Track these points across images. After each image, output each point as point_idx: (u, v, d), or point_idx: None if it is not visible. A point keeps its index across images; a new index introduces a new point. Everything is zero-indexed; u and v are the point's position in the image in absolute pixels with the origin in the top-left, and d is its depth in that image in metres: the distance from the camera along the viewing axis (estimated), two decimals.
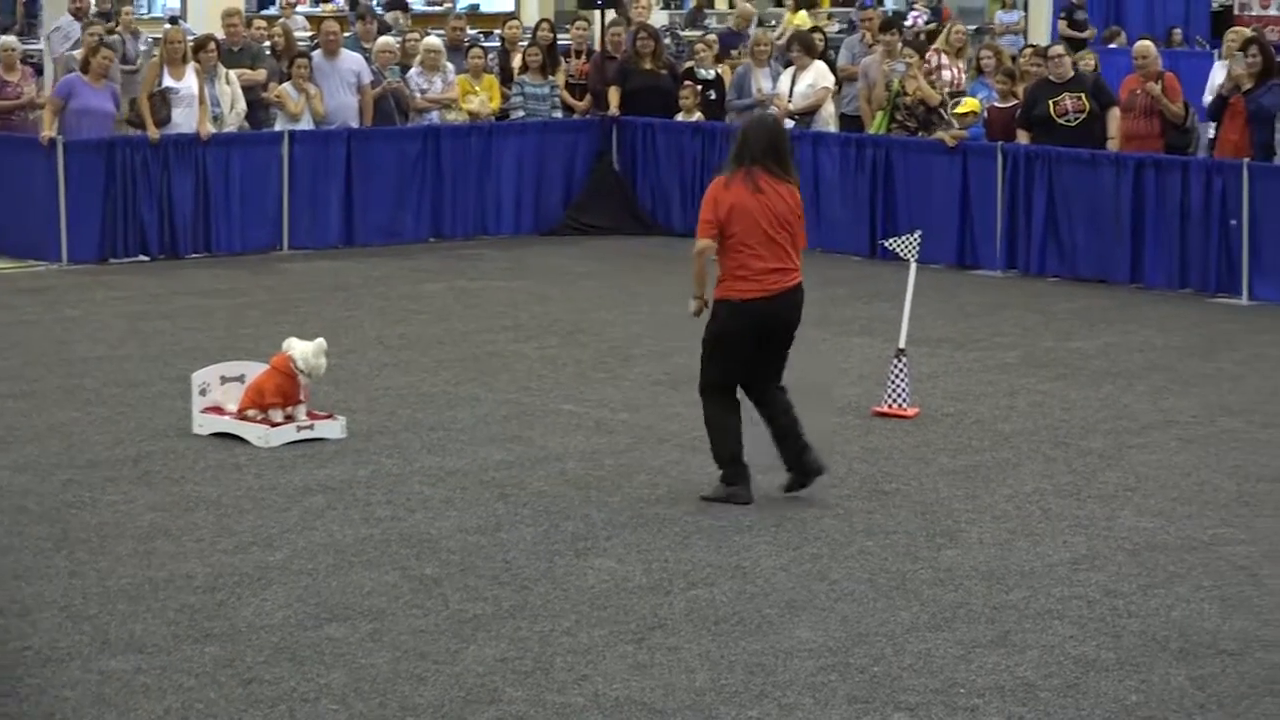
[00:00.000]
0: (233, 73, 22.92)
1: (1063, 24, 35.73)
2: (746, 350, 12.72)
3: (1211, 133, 21.66)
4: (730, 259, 12.56)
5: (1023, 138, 21.48)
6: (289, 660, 9.71)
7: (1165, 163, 20.65)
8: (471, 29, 31.26)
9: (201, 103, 22.08)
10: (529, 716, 9.06)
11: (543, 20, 28.67)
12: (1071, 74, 21.56)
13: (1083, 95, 21.33)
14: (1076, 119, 21.26)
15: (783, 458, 12.69)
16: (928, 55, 23.87)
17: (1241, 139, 20.68)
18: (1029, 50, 23.80)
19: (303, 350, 14.01)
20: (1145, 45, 22.29)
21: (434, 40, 25.11)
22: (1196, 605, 10.70)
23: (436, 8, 38.61)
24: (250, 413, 14.06)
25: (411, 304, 19.91)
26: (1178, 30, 37.67)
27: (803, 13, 35.53)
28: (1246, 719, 9.12)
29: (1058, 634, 10.25)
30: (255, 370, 14.45)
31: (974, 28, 34.86)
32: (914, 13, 38.32)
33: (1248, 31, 24.82)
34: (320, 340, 14.10)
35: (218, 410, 14.29)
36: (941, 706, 9.21)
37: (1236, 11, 42.19)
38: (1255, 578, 11.18)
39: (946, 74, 23.91)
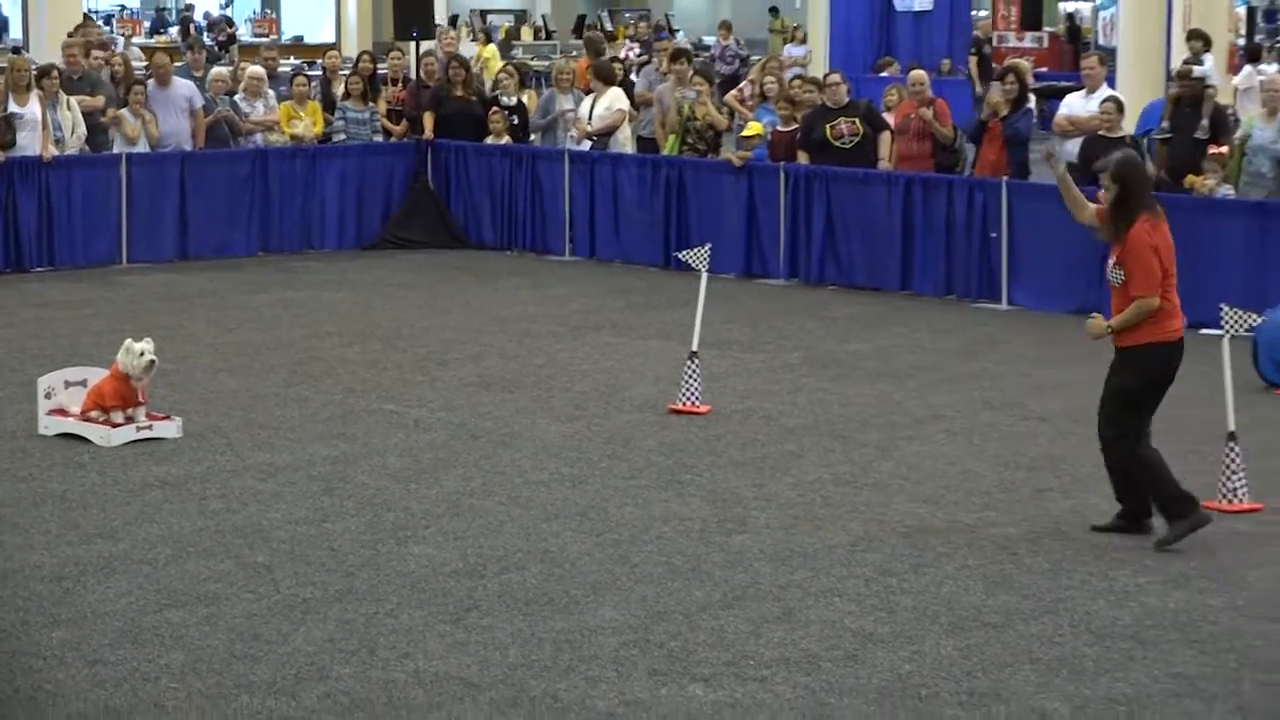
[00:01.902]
0: (73, 99, 22.67)
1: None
2: (1166, 389, 11.72)
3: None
4: (1164, 301, 11.44)
5: (803, 158, 21.60)
6: (131, 643, 9.66)
7: (932, 180, 20.85)
8: (296, 59, 31.16)
9: (44, 127, 21.89)
10: (355, 692, 9.04)
11: (364, 52, 28.76)
12: (846, 100, 21.75)
13: (857, 120, 21.50)
14: (851, 142, 21.42)
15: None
16: (741, 85, 23.99)
17: (1000, 159, 20.92)
18: (797, 81, 23.85)
19: (122, 355, 13.94)
20: (919, 74, 22.50)
21: (257, 69, 25.02)
22: (963, 582, 10.83)
23: (263, 39, 38.30)
24: (93, 414, 13.95)
25: (242, 313, 19.77)
26: (947, 61, 38.08)
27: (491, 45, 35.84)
28: (1009, 685, 9.23)
29: (838, 610, 10.35)
30: (97, 375, 14.33)
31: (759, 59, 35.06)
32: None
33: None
34: (128, 342, 14.00)
35: (62, 412, 14.16)
36: (733, 678, 9.28)
37: (995, 44, 42.71)
38: (1015, 556, 11.32)
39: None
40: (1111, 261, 11.52)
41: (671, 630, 9.99)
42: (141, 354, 13.80)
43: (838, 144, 21.48)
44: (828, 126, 21.52)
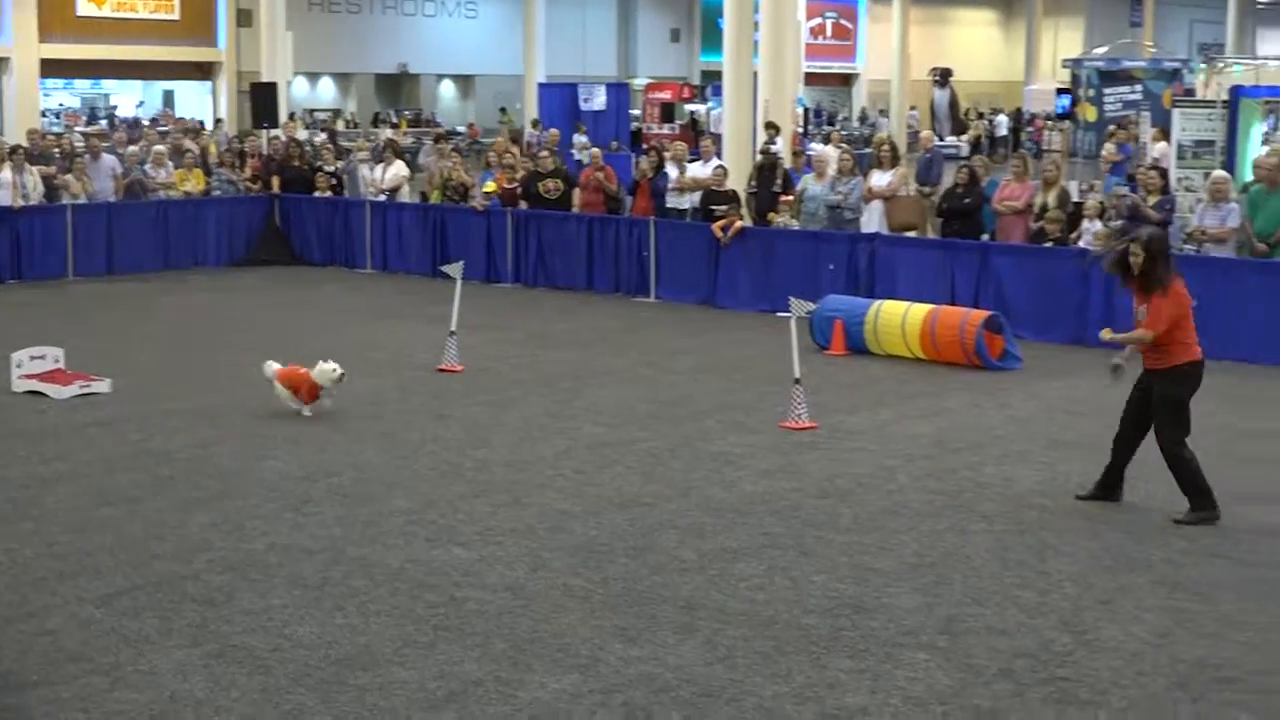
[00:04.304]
0: (35, 168, 22.15)
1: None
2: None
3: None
4: (1190, 332, 10.04)
5: (523, 205, 21.56)
6: (76, 530, 9.39)
7: (606, 219, 20.91)
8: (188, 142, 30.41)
9: (14, 187, 21.31)
10: (230, 559, 8.90)
11: (235, 135, 28.36)
12: (552, 167, 21.75)
13: (559, 180, 21.51)
14: (556, 194, 21.41)
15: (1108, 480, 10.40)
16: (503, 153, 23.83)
17: (648, 206, 21.07)
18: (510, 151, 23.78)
19: (317, 371, 12.84)
20: (595, 151, 22.61)
21: (160, 147, 24.55)
22: (627, 477, 10.87)
23: (165, 127, 37.25)
24: (288, 391, 12.94)
25: (153, 309, 19.32)
26: (615, 142, 38.20)
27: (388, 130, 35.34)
28: (659, 544, 9.27)
29: (549, 497, 10.33)
30: (55, 351, 14.15)
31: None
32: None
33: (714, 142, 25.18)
34: (321, 364, 12.88)
35: (29, 376, 13.78)
36: (481, 542, 9.22)
37: (645, 130, 42.94)
38: (660, 460, 11.40)
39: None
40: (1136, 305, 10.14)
41: (440, 512, 9.92)
42: (334, 370, 12.74)
43: (547, 195, 21.47)
44: (540, 184, 21.51)
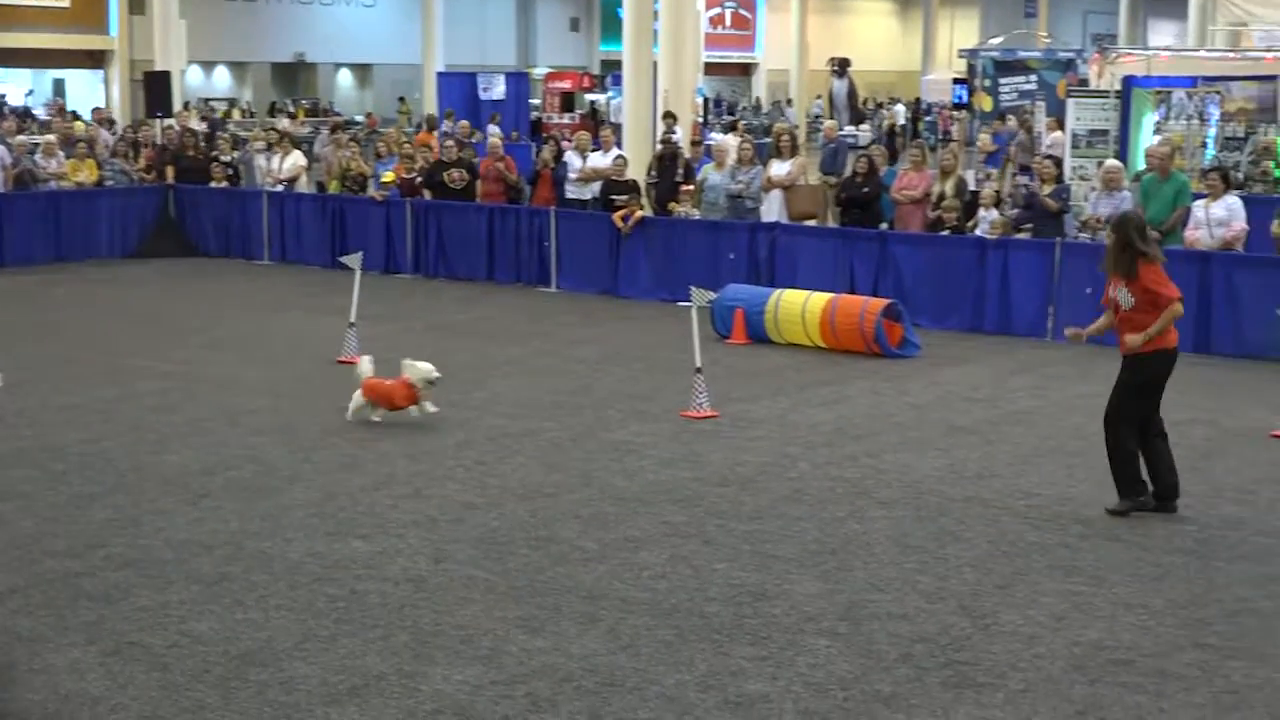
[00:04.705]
0: None
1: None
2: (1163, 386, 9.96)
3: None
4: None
5: (427, 195, 21.45)
6: None
7: (508, 209, 20.82)
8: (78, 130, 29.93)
9: None
10: (126, 555, 8.76)
11: (128, 125, 27.98)
12: (457, 155, 21.66)
13: (464, 170, 21.41)
14: (462, 184, 21.31)
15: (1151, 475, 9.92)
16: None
17: (549, 196, 21.05)
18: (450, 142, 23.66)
19: (409, 371, 12.14)
20: (495, 143, 22.55)
21: (51, 137, 24.20)
22: (530, 467, 10.83)
23: (55, 117, 36.56)
24: (370, 403, 12.15)
25: (44, 301, 18.97)
26: (515, 132, 38.03)
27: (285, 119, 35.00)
28: (559, 534, 9.26)
29: (450, 489, 10.27)
30: None
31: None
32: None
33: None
34: (411, 363, 12.18)
35: None
36: (382, 535, 9.17)
37: (545, 120, 42.85)
38: (562, 450, 11.38)
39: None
40: (1117, 290, 9.89)
41: (341, 505, 9.85)
42: (429, 371, 12.00)
43: (452, 185, 21.35)
44: (445, 174, 21.38)
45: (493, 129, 34.95)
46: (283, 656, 7.24)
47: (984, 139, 25.27)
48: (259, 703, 6.73)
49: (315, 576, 8.41)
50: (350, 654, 7.28)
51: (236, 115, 47.70)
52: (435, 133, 24.53)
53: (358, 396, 12.20)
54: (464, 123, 28.55)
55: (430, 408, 12.14)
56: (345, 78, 56.85)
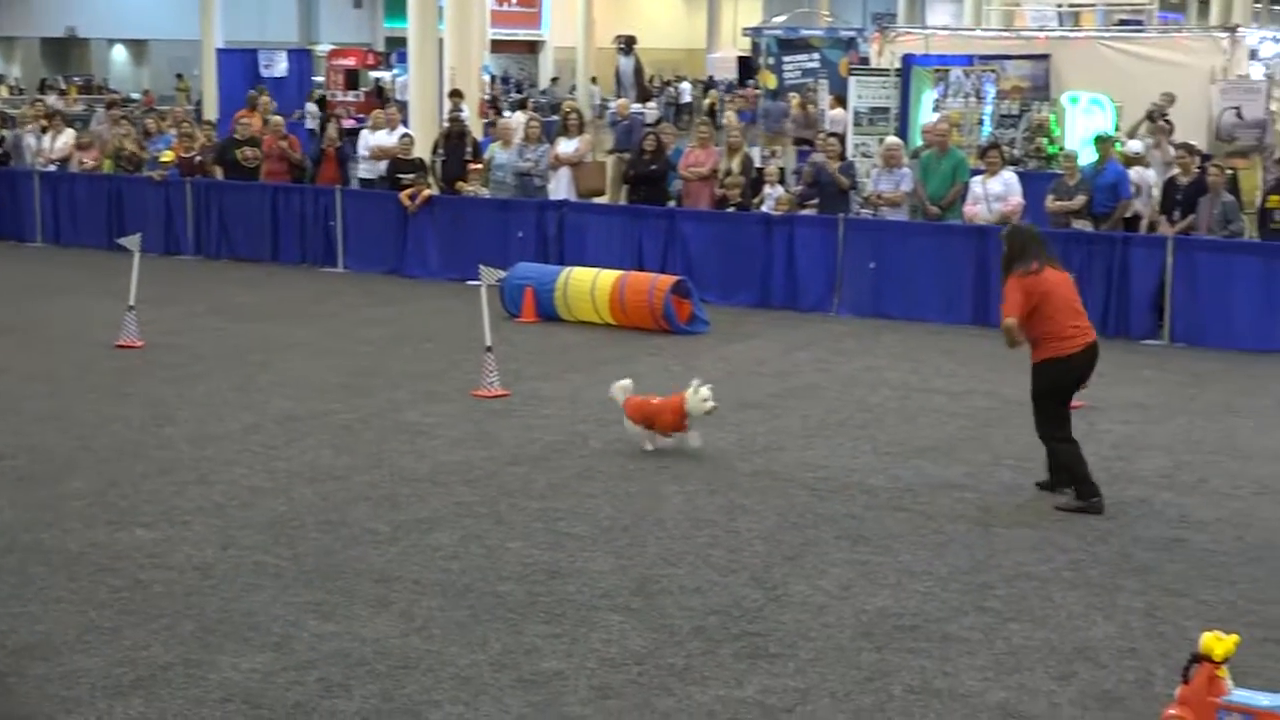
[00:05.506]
0: None
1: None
2: (1072, 390, 9.85)
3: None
4: (1049, 331, 9.62)
5: (217, 173, 21.01)
6: None
7: (291, 188, 20.46)
8: None
9: None
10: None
11: None
12: (249, 134, 21.25)
13: (258, 149, 20.98)
14: (255, 162, 20.86)
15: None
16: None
17: (335, 175, 20.80)
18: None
19: (691, 395, 10.65)
20: (277, 121, 22.14)
21: None
22: (318, 452, 10.73)
23: None
24: (640, 426, 10.89)
25: None
26: (299, 111, 37.25)
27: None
28: (350, 516, 9.18)
29: (237, 474, 10.11)
30: None
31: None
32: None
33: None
34: (700, 386, 10.67)
35: None
36: (166, 523, 8.99)
37: (330, 97, 42.23)
38: (352, 432, 11.27)
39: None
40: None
41: (122, 493, 9.62)
42: (705, 400, 10.59)
43: (245, 164, 20.91)
44: (237, 152, 20.93)
45: (311, 107, 34.28)
46: (63, 649, 7.05)
47: (730, 116, 25.66)
48: (39, 698, 6.54)
49: (97, 567, 8.20)
50: (134, 645, 7.12)
51: (5, 93, 46.11)
52: (257, 111, 23.87)
53: (630, 425, 10.94)
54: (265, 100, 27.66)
55: (694, 441, 10.78)
56: (120, 54, 55.32)
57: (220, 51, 39.41)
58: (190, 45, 48.85)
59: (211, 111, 34.92)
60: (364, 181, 20.84)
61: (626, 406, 10.96)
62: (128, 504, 9.39)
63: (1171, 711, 6.19)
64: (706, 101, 42.95)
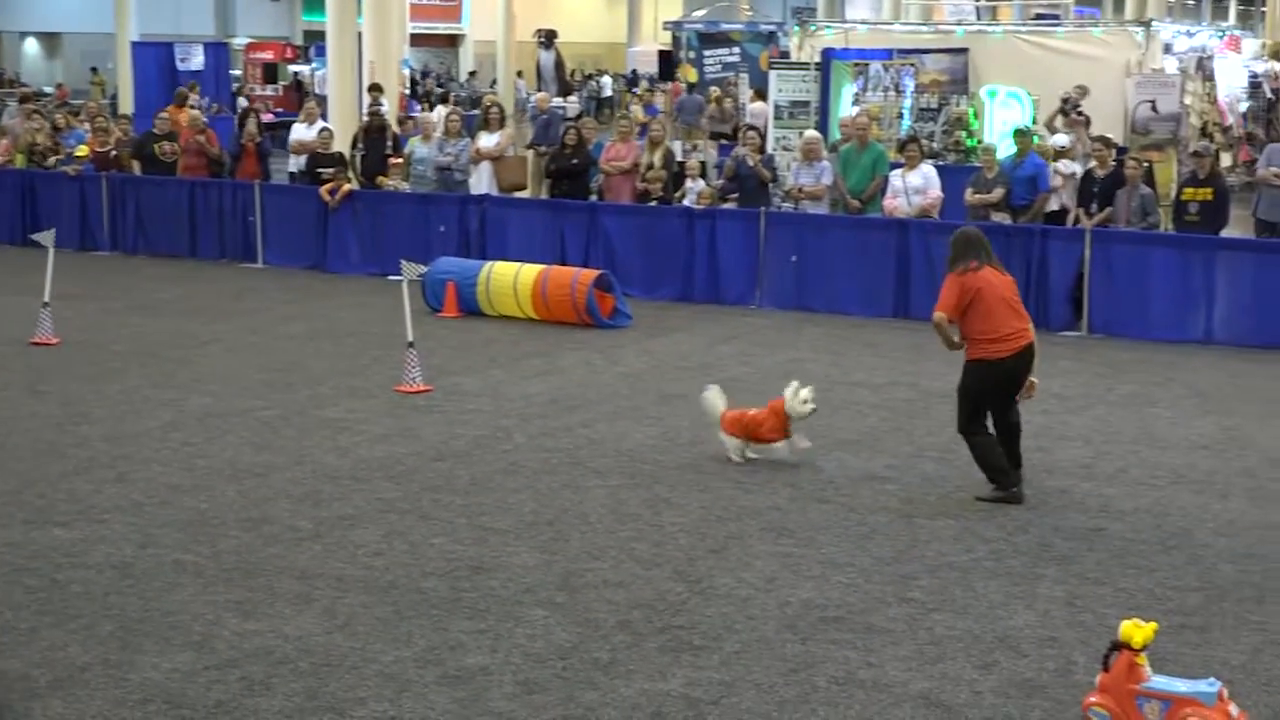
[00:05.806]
0: None
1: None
2: (1005, 391, 9.73)
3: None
4: (983, 331, 9.60)
5: (135, 168, 20.78)
6: None
7: (210, 184, 20.25)
8: None
9: None
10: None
11: None
12: (168, 129, 21.02)
13: (176, 144, 20.75)
14: (173, 158, 20.64)
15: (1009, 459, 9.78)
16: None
17: (256, 170, 20.61)
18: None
19: (790, 396, 10.32)
20: (195, 115, 21.93)
21: None
22: (239, 449, 10.62)
23: None
24: (736, 439, 10.47)
25: None
26: (216, 104, 36.92)
27: None
28: (270, 514, 9.11)
29: (156, 471, 10.00)
30: None
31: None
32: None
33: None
34: (798, 388, 10.35)
35: None
36: (84, 521, 8.87)
37: (249, 91, 41.83)
38: (273, 429, 11.17)
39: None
40: None
41: (39, 492, 9.49)
42: (805, 402, 10.27)
43: (163, 159, 20.68)
44: (155, 146, 20.71)
45: (244, 101, 33.86)
46: None
47: (636, 110, 25.71)
48: None
49: (12, 567, 8.08)
50: (52, 646, 7.03)
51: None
52: (186, 108, 23.60)
53: (727, 438, 10.52)
54: (181, 91, 27.28)
55: (803, 443, 10.42)
56: (32, 46, 54.58)
57: (135, 45, 38.98)
58: (105, 38, 48.28)
59: (127, 105, 34.53)
60: (293, 175, 20.66)
61: (723, 421, 10.52)
62: (44, 503, 9.26)
63: (1092, 699, 6.26)
64: (635, 104, 43.12)
